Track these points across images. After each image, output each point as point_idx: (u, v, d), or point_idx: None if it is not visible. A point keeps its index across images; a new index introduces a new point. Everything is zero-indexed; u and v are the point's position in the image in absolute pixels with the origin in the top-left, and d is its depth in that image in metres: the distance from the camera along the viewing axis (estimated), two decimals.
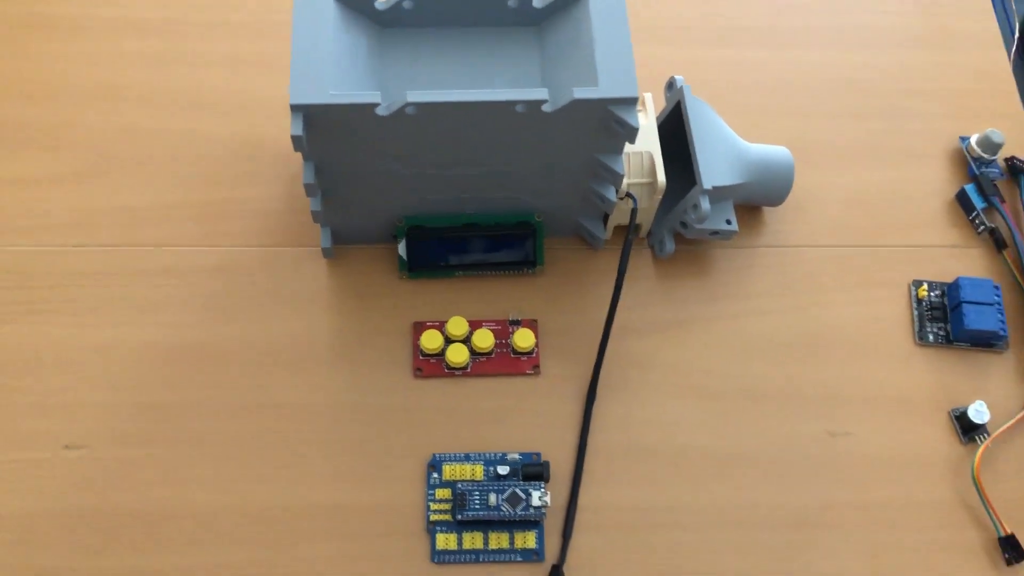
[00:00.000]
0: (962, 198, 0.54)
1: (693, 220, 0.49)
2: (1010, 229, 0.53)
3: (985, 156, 0.54)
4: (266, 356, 0.49)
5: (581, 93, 0.42)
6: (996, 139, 0.54)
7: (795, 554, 0.46)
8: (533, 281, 0.52)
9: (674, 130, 0.51)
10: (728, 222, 0.50)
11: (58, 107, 0.55)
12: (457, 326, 0.49)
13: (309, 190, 0.45)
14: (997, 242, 0.53)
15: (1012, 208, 0.54)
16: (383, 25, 0.45)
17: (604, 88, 0.42)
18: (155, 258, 0.51)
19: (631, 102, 0.42)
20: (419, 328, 0.50)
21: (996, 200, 0.53)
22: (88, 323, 0.50)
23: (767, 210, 0.54)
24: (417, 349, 0.49)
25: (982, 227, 0.53)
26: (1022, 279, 0.52)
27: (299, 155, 0.53)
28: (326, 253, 0.51)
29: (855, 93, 0.58)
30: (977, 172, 0.54)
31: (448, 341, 0.49)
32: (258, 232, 0.52)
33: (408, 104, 0.41)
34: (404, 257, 0.50)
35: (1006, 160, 0.55)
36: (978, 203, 0.54)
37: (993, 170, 0.55)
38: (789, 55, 0.59)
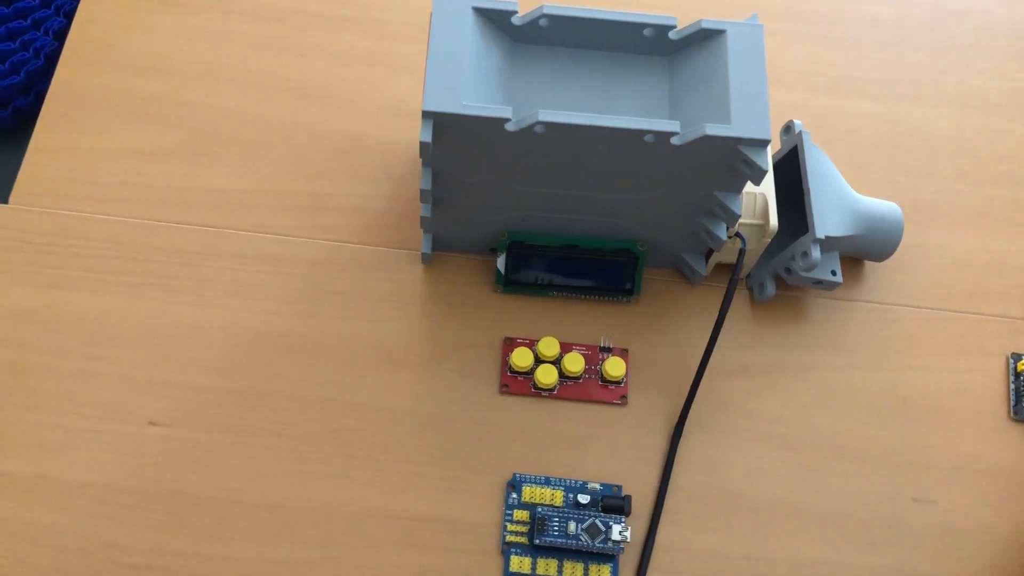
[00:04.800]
0: None
1: (800, 267, 0.48)
2: None
3: None
4: (353, 354, 0.49)
5: (713, 130, 0.41)
6: None
7: None
8: (628, 309, 0.51)
9: (785, 175, 0.50)
10: (833, 272, 0.49)
11: (168, 83, 0.55)
12: (549, 346, 0.49)
13: (424, 196, 0.45)
14: None
15: None
16: (517, 40, 0.45)
17: (737, 127, 0.41)
18: (251, 243, 0.51)
19: (763, 144, 0.41)
20: (510, 344, 0.49)
21: None
22: (180, 301, 0.50)
23: (869, 265, 0.53)
24: (506, 365, 0.49)
25: None
26: None
27: (404, 156, 0.54)
28: (424, 259, 0.51)
29: (968, 156, 0.57)
30: None
31: (538, 360, 0.49)
32: (356, 229, 0.52)
33: (538, 123, 0.41)
34: (502, 271, 0.50)
35: None
36: None
37: None
38: (903, 109, 0.58)
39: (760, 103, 0.42)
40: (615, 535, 0.44)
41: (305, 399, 0.48)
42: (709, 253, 0.50)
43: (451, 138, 0.42)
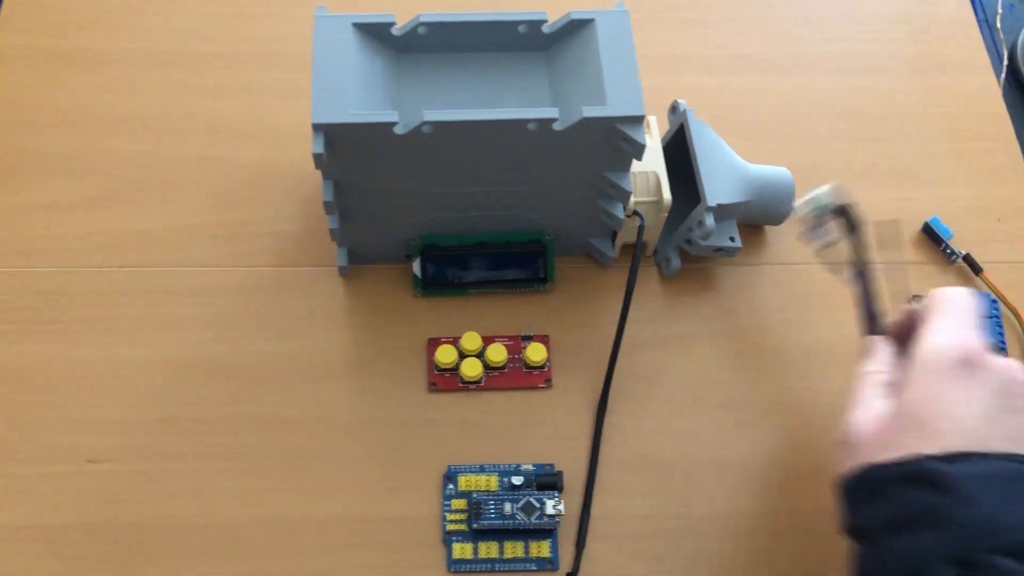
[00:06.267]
0: (927, 230, 0.56)
1: (698, 237, 0.50)
2: None
3: None
4: (284, 372, 0.50)
5: (590, 111, 0.43)
6: None
7: (806, 562, 0.47)
8: (544, 298, 0.53)
9: (677, 153, 0.53)
10: (732, 239, 0.52)
11: (81, 135, 0.57)
12: (471, 341, 0.50)
13: (328, 207, 0.47)
14: (973, 266, 0.55)
15: None
16: (399, 50, 0.47)
17: (612, 107, 0.44)
18: (175, 278, 0.53)
19: (638, 120, 0.44)
20: (434, 344, 0.51)
21: None
22: (111, 341, 0.51)
23: (769, 229, 0.56)
24: (432, 364, 0.51)
25: (954, 256, 0.55)
26: (1004, 298, 0.54)
27: (314, 178, 0.55)
28: (342, 272, 0.52)
29: (849, 117, 0.60)
30: None
31: (462, 356, 0.51)
32: (276, 252, 0.54)
33: (424, 123, 0.43)
34: (419, 275, 0.52)
35: None
36: (945, 234, 0.56)
37: None
38: (784, 81, 0.61)
39: (632, 83, 0.44)
40: (549, 510, 0.46)
41: (241, 420, 0.49)
42: (615, 235, 0.52)
43: (344, 148, 0.44)
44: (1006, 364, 0.38)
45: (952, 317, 0.40)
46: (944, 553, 0.35)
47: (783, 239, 0.55)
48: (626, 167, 0.47)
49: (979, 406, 0.37)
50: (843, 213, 0.47)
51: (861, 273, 0.46)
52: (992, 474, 0.36)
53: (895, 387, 0.40)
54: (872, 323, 0.45)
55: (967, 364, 0.38)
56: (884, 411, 0.39)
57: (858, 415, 0.40)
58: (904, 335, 0.42)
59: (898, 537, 0.36)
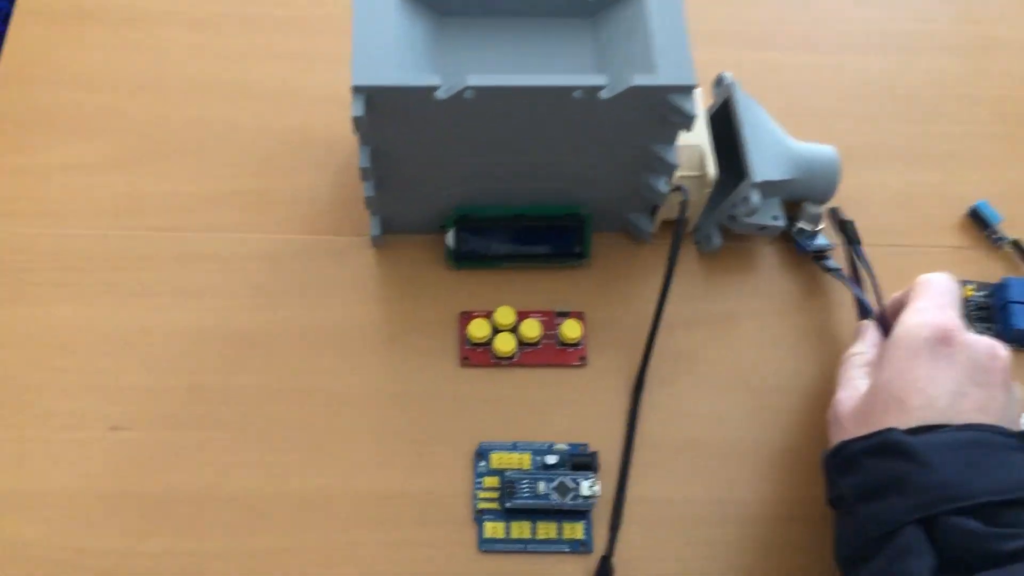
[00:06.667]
0: (974, 214, 0.55)
1: (742, 214, 0.49)
2: None
3: None
4: (313, 343, 0.49)
5: (639, 80, 0.42)
6: None
7: None
8: (580, 274, 0.52)
9: (721, 128, 0.51)
10: (775, 217, 0.50)
11: (107, 95, 0.56)
12: (505, 315, 0.49)
13: (364, 174, 0.45)
14: (1022, 252, 0.53)
15: None
16: (441, 14, 0.46)
17: (662, 75, 0.42)
18: (202, 244, 0.52)
19: (688, 90, 0.42)
20: (466, 318, 0.50)
21: None
22: (134, 306, 0.50)
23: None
24: (464, 338, 0.49)
25: (1001, 240, 0.54)
26: None
27: (347, 145, 0.54)
28: (375, 242, 0.51)
29: (896, 98, 0.58)
30: None
31: (495, 331, 0.49)
32: (305, 220, 0.52)
33: (467, 88, 0.42)
34: (452, 247, 0.50)
35: None
36: (994, 219, 0.54)
37: None
38: (830, 60, 0.59)
39: (683, 51, 0.43)
40: (584, 491, 0.45)
41: (268, 390, 0.48)
42: (654, 211, 0.51)
43: (384, 112, 0.42)
44: (978, 340, 0.41)
45: (930, 299, 0.43)
46: (911, 515, 0.37)
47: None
48: (673, 139, 0.45)
49: (950, 382, 0.39)
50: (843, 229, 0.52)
51: (855, 272, 0.50)
52: (955, 442, 0.38)
53: (875, 367, 0.43)
54: (863, 310, 0.48)
55: (941, 341, 0.40)
56: (864, 390, 0.42)
57: (842, 395, 0.43)
58: (893, 320, 0.44)
59: (870, 503, 0.39)
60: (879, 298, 0.49)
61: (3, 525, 0.45)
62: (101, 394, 0.48)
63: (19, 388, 0.48)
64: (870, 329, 0.46)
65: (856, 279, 0.51)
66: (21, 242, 0.51)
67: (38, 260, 0.51)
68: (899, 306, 0.45)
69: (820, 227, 0.52)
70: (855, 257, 0.51)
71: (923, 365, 0.40)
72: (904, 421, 0.39)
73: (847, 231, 0.52)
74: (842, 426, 0.42)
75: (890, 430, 0.39)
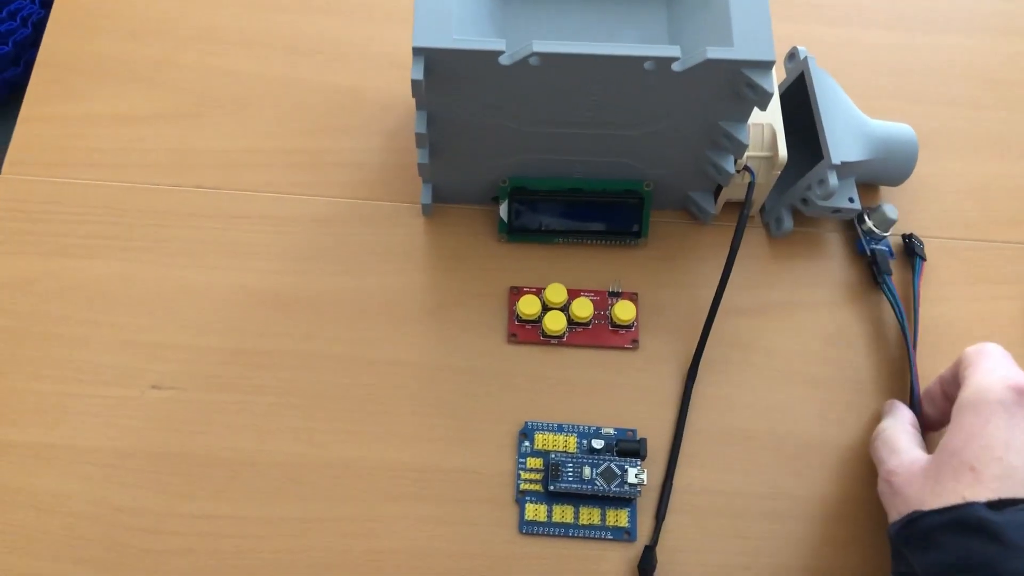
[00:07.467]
0: None
1: (818, 196, 0.46)
2: None
3: None
4: (359, 310, 0.48)
5: (715, 53, 0.40)
6: None
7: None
8: (636, 253, 0.50)
9: (792, 106, 0.49)
10: (851, 200, 0.48)
11: (160, 46, 0.54)
12: (556, 293, 0.48)
13: (419, 140, 0.44)
14: None
15: None
16: None
17: (740, 50, 0.40)
18: (250, 203, 0.50)
19: (768, 66, 0.40)
20: (516, 293, 0.48)
21: None
22: (180, 264, 0.49)
23: (887, 191, 0.52)
24: (513, 314, 0.48)
25: None
26: None
27: (400, 109, 0.53)
28: (425, 210, 0.49)
29: (982, 81, 0.55)
30: None
31: (545, 308, 0.48)
32: (356, 184, 0.51)
33: (533, 54, 0.40)
34: (505, 219, 0.49)
35: None
36: None
37: None
38: (909, 39, 0.56)
39: (763, 24, 0.40)
40: (631, 478, 0.43)
41: (311, 356, 0.47)
42: (718, 191, 0.49)
43: (444, 76, 0.41)
44: None
45: (995, 361, 0.40)
46: None
47: (900, 207, 0.51)
48: (745, 117, 0.43)
49: None
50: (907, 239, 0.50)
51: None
52: None
53: (928, 439, 0.42)
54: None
55: (1016, 402, 0.37)
56: (925, 457, 0.40)
57: (900, 461, 0.40)
58: (935, 405, 0.43)
59: None
60: (916, 325, 0.48)
61: (45, 478, 0.45)
62: (143, 352, 0.47)
63: (62, 342, 0.47)
64: (903, 405, 0.45)
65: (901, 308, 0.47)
66: (70, 192, 0.50)
67: (81, 212, 0.50)
68: (948, 383, 0.42)
69: (888, 233, 0.49)
70: (914, 282, 0.48)
71: (998, 429, 0.37)
72: (978, 492, 0.36)
73: (913, 250, 0.49)
74: (905, 496, 0.39)
75: (970, 504, 0.36)
